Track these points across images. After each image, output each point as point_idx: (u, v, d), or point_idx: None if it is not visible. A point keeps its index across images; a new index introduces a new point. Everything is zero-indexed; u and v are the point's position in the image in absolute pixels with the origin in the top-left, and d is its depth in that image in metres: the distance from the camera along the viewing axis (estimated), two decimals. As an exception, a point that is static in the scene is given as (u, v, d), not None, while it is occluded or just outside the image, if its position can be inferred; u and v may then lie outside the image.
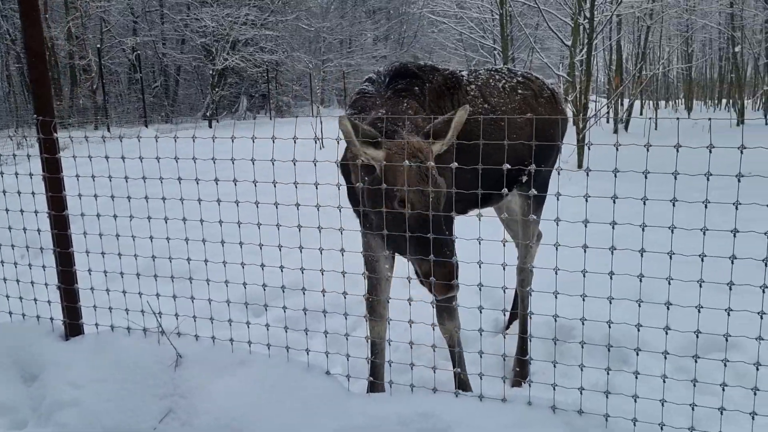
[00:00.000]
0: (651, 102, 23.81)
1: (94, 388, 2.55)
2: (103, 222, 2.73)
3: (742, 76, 20.40)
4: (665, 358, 2.28)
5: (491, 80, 3.01)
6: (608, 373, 2.36)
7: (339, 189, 2.50)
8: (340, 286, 2.54)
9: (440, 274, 2.19)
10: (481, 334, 2.45)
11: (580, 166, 9.59)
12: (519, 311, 3.32)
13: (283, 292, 2.53)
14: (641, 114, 21.69)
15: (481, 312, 2.51)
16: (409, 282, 2.36)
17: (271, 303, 3.27)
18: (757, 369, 2.20)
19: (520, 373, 3.18)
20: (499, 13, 10.49)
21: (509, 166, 2.26)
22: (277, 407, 2.34)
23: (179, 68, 27.99)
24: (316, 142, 2.53)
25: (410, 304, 2.43)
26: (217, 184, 2.52)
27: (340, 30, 39.70)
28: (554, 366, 2.38)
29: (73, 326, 2.85)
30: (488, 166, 2.31)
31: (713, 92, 31.33)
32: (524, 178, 2.99)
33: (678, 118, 2.23)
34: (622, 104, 17.20)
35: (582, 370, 2.34)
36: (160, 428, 2.45)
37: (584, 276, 2.21)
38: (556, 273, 2.23)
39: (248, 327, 2.62)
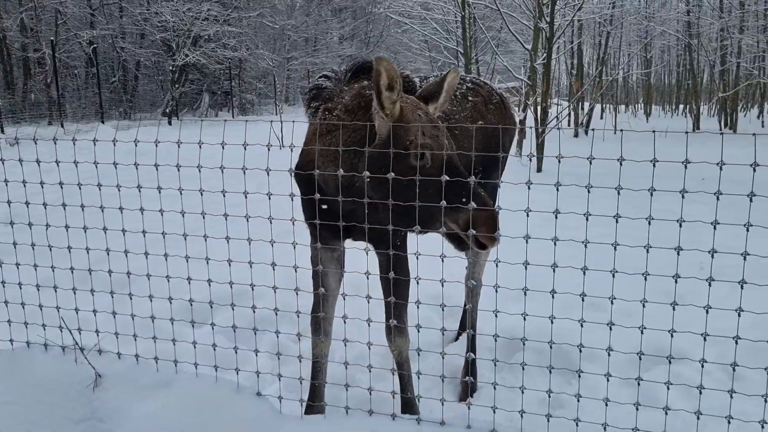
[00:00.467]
0: (611, 106, 24.21)
1: (3, 411, 2.35)
2: (37, 231, 2.52)
3: (699, 83, 20.87)
4: (607, 380, 2.22)
5: None
6: (549, 396, 2.26)
7: (292, 200, 2.34)
8: (278, 301, 2.40)
9: (484, 218, 2.00)
10: (418, 354, 2.33)
11: (539, 170, 9.61)
12: (468, 326, 3.23)
13: (211, 307, 2.37)
14: (601, 118, 22.04)
15: (443, 333, 2.43)
16: (344, 298, 2.23)
17: (200, 318, 3.08)
18: (700, 392, 2.16)
19: (469, 388, 3.10)
20: (461, 15, 10.45)
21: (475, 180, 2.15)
22: (204, 430, 2.18)
23: (138, 63, 27.32)
24: (278, 147, 2.39)
25: (345, 322, 2.32)
26: (160, 192, 2.34)
27: (305, 28, 39.37)
28: (494, 388, 2.28)
29: (-15, 343, 2.63)
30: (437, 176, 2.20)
31: (671, 98, 32.06)
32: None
33: (620, 130, 2.15)
34: (582, 108, 17.40)
35: (523, 392, 2.24)
36: (76, 455, 2.26)
37: (525, 294, 2.13)
38: (496, 290, 2.13)
39: (174, 344, 2.45)
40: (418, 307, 2.33)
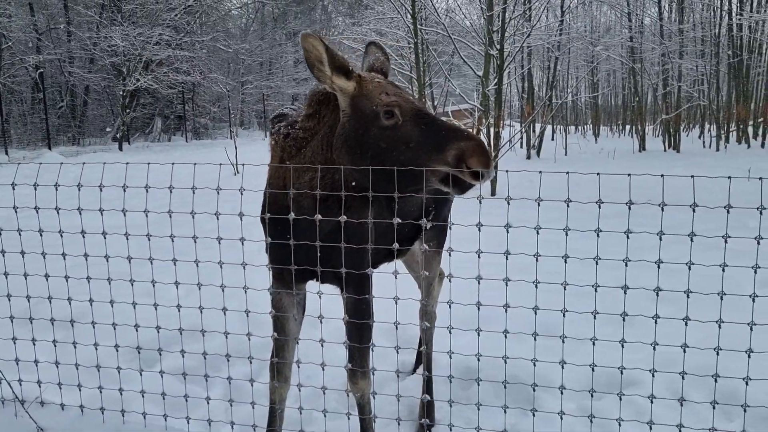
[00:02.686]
0: (561, 127, 24.90)
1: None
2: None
3: (643, 105, 21.66)
4: (561, 393, 2.24)
5: None
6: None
7: (242, 243, 2.30)
8: (230, 340, 2.35)
9: (473, 148, 1.97)
10: (374, 397, 2.31)
11: (493, 193, 9.76)
12: (423, 352, 3.21)
13: (160, 354, 2.30)
14: (552, 139, 22.60)
15: (398, 352, 2.41)
16: (297, 343, 2.20)
17: (148, 364, 2.97)
18: (652, 402, 2.19)
19: (429, 416, 3.09)
20: (414, 41, 10.64)
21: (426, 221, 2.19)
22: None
23: (87, 88, 26.73)
24: (235, 172, 2.36)
25: (299, 367, 2.30)
26: (105, 238, 2.27)
27: (260, 52, 39.32)
28: (450, 429, 2.27)
29: None
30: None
31: (618, 119, 33.14)
32: (428, 225, 2.91)
33: (555, 152, 2.20)
34: (534, 131, 17.83)
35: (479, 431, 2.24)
36: None
37: (479, 333, 2.14)
38: (450, 331, 2.14)
39: (121, 393, 2.36)
40: (372, 350, 2.33)
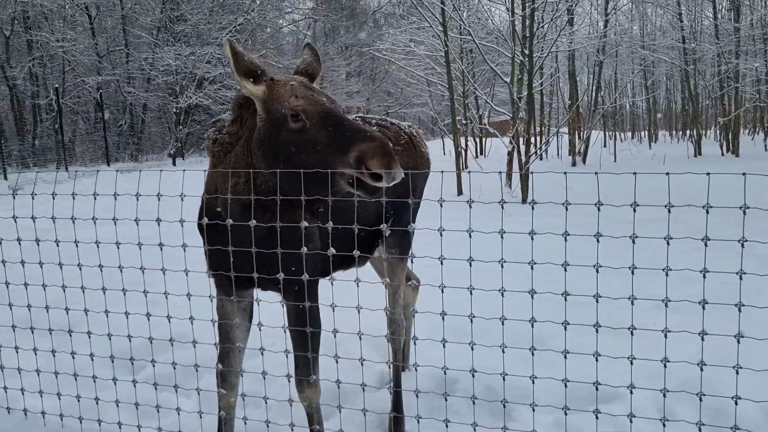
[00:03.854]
0: (616, 133, 24.11)
1: None
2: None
3: (699, 109, 20.79)
4: (533, 409, 2.17)
5: None
6: None
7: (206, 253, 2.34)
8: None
9: (374, 150, 1.97)
10: (340, 411, 2.27)
11: (524, 201, 9.54)
12: (392, 362, 3.14)
13: (133, 363, 2.34)
14: (605, 146, 21.96)
15: (364, 389, 2.39)
16: (262, 353, 2.20)
17: (123, 375, 3.05)
18: (631, 421, 2.09)
19: (397, 430, 3.02)
20: (444, 50, 10.57)
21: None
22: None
23: (145, 106, 27.88)
24: None
25: (264, 378, 2.33)
26: (98, 247, 2.37)
27: (311, 66, 39.99)
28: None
29: None
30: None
31: (676, 124, 31.96)
32: (388, 232, 2.86)
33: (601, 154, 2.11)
34: (580, 137, 17.38)
35: None
36: None
37: (471, 321, 2.14)
38: (443, 316, 2.07)
39: (59, 398, 2.41)
40: (337, 361, 2.30)
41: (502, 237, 2.02)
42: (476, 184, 10.14)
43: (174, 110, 24.93)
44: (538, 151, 9.77)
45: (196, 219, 2.42)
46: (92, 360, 2.52)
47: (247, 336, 2.65)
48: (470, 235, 2.05)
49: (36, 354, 2.54)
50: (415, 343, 2.27)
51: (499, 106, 18.88)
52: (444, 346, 2.22)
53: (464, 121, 16.00)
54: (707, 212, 1.82)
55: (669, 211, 1.86)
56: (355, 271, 2.59)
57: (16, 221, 2.40)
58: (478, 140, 21.07)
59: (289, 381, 2.42)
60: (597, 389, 2.11)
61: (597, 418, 2.13)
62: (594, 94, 17.70)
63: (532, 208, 2.03)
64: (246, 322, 2.63)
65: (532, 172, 2.34)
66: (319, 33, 45.62)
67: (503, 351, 2.15)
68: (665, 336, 1.92)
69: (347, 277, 2.44)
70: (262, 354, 2.33)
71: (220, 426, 2.60)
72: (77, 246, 2.39)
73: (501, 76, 10.36)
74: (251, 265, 2.30)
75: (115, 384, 2.69)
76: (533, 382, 2.15)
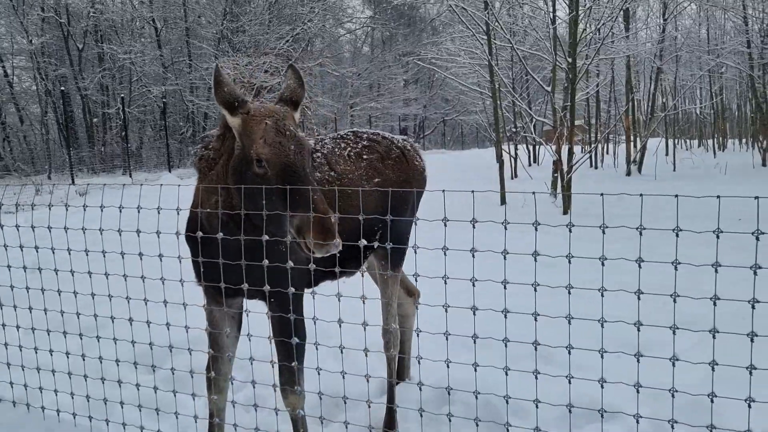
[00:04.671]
0: (683, 141, 23.15)
1: None
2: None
3: (766, 116, 19.80)
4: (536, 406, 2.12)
5: (336, 148, 2.97)
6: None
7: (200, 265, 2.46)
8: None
9: (314, 223, 2.03)
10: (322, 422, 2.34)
11: (565, 212, 9.36)
12: (386, 378, 3.19)
13: (136, 367, 2.48)
14: (666, 154, 21.19)
15: (345, 402, 2.44)
16: (252, 363, 2.30)
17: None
18: None
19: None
20: (488, 59, 10.51)
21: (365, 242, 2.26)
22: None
23: (206, 115, 28.87)
24: None
25: (254, 387, 2.44)
26: (104, 256, 2.53)
27: (368, 75, 40.40)
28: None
29: None
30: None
31: (746, 131, 30.50)
32: (376, 245, 2.91)
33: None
34: (635, 146, 16.87)
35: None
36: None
37: (475, 341, 2.17)
38: (419, 362, 2.12)
39: (41, 392, 2.59)
40: (319, 373, 2.37)
41: (535, 260, 1.99)
42: (520, 193, 10.04)
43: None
44: (577, 163, 9.55)
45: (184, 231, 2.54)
46: (117, 364, 2.67)
47: (236, 343, 2.74)
48: (505, 257, 2.02)
49: (68, 357, 2.71)
50: (419, 362, 2.28)
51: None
52: (448, 366, 2.22)
53: (514, 129, 15.82)
54: (716, 238, 1.72)
55: (717, 236, 1.76)
56: (359, 283, 2.63)
57: (84, 232, 2.55)
58: (531, 148, 20.76)
59: (275, 390, 2.51)
60: (602, 416, 2.06)
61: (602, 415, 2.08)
62: (651, 100, 17.16)
63: (570, 230, 2.00)
64: (235, 330, 2.72)
65: (561, 192, 2.32)
66: (377, 41, 46.04)
67: (506, 373, 2.13)
68: (673, 364, 1.85)
69: (342, 289, 2.47)
70: (252, 364, 2.42)
71: (210, 429, 2.70)
72: (141, 258, 2.51)
73: (542, 84, 10.21)
74: (233, 276, 2.38)
75: (55, 394, 2.78)
76: (537, 406, 2.11)
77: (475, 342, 2.16)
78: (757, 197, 1.76)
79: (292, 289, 2.34)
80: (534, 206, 2.06)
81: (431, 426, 3.22)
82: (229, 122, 2.27)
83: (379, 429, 3.10)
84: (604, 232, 1.91)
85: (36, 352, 2.78)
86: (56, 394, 2.67)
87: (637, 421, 2.01)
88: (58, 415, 2.62)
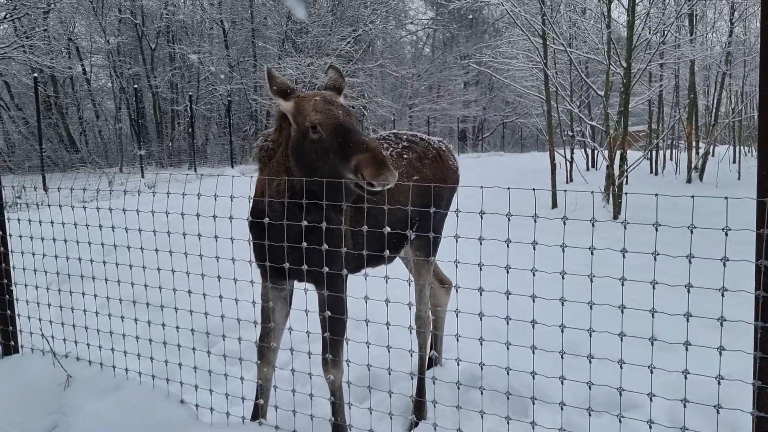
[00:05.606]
0: (753, 149, 22.26)
1: (3, 401, 2.97)
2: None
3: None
4: (562, 409, 2.34)
5: None
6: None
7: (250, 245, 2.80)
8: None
9: (367, 160, 2.28)
10: (370, 391, 2.61)
11: (615, 217, 9.34)
12: (417, 352, 3.42)
13: (208, 337, 2.84)
14: (734, 161, 20.49)
15: (390, 373, 2.67)
16: (290, 332, 2.59)
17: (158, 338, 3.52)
18: (650, 427, 2.21)
19: (418, 413, 3.30)
20: (543, 62, 10.57)
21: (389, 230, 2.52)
22: (130, 427, 2.64)
23: (268, 113, 29.74)
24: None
25: (292, 353, 2.72)
26: (156, 253, 2.89)
27: (428, 76, 40.52)
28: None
29: (6, 346, 3.31)
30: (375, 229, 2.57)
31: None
32: (413, 236, 3.16)
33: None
34: (697, 152, 16.43)
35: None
36: (45, 440, 2.81)
37: (508, 322, 2.35)
38: (457, 339, 2.35)
39: (125, 355, 2.96)
40: (368, 346, 2.64)
41: (564, 251, 2.16)
42: (572, 197, 10.05)
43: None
44: (630, 168, 9.49)
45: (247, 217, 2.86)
46: (177, 330, 3.01)
47: (286, 319, 3.05)
48: (563, 250, 2.19)
49: (136, 323, 3.10)
50: (458, 339, 2.48)
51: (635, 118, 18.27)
52: (481, 344, 2.45)
53: (570, 134, 15.71)
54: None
55: (692, 231, 1.91)
56: (385, 268, 2.90)
57: (153, 215, 2.91)
58: (589, 152, 20.48)
59: (310, 378, 2.78)
60: (621, 395, 2.20)
61: (620, 421, 2.23)
62: (715, 106, 16.69)
63: (625, 227, 2.13)
64: (286, 306, 3.03)
65: (611, 192, 2.49)
66: (438, 42, 46.10)
67: (533, 352, 2.32)
68: (686, 349, 1.99)
69: (381, 274, 2.70)
70: (308, 336, 2.69)
71: (258, 393, 3.02)
72: (200, 239, 2.87)
73: (594, 89, 10.17)
74: (290, 260, 2.68)
75: (124, 356, 3.15)
76: (562, 383, 2.28)
77: (508, 323, 2.35)
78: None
79: (344, 272, 2.64)
80: (585, 210, 2.23)
81: (458, 412, 3.44)
82: (283, 108, 2.59)
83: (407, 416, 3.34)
84: (656, 229, 2.04)
85: (110, 319, 3.17)
86: (125, 356, 3.05)
87: (651, 399, 2.16)
88: (126, 373, 2.99)
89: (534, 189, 2.39)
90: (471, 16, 43.30)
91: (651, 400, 2.14)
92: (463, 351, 2.57)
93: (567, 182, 16.06)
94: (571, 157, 16.56)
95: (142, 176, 19.53)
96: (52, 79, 25.28)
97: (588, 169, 19.84)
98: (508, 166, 22.24)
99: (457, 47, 43.11)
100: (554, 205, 10.83)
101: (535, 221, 2.23)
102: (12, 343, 3.33)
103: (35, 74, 19.16)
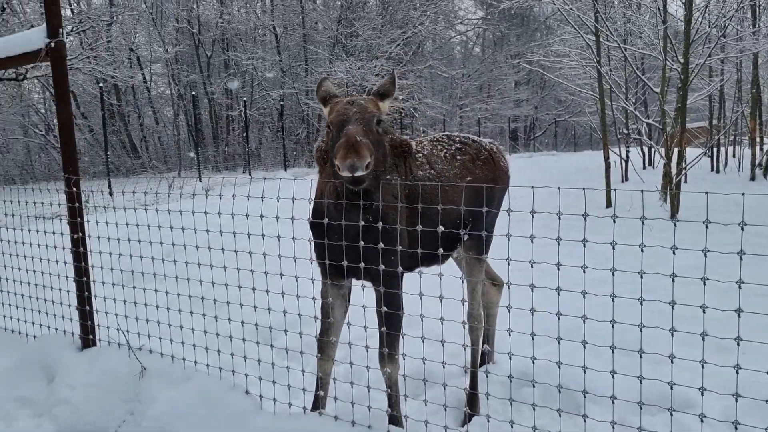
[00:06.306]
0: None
1: (84, 391, 3.20)
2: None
3: None
4: (613, 402, 2.35)
5: (434, 150, 3.36)
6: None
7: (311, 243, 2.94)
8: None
9: (339, 146, 2.38)
10: (425, 383, 2.73)
11: (673, 216, 9.13)
12: (472, 350, 3.50)
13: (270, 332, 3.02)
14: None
15: (444, 366, 2.78)
16: (349, 327, 2.73)
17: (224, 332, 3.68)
18: (702, 420, 2.20)
19: (471, 407, 3.38)
20: (597, 59, 10.41)
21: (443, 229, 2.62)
22: (199, 416, 2.81)
23: (319, 117, 30.20)
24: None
25: (350, 347, 2.86)
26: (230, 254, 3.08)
27: (478, 76, 40.28)
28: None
29: (85, 340, 3.55)
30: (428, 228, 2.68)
31: None
32: (466, 237, 3.25)
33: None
34: (761, 149, 15.81)
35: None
36: (122, 427, 3.02)
37: (559, 319, 2.41)
38: (509, 334, 2.44)
39: (194, 348, 3.15)
40: (423, 341, 2.75)
41: (614, 248, 2.20)
42: (627, 197, 9.88)
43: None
44: (688, 166, 9.26)
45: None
46: (242, 325, 3.19)
47: (345, 315, 3.18)
48: (614, 247, 2.22)
49: (204, 318, 3.29)
50: (510, 334, 2.54)
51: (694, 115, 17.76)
52: (533, 338, 2.49)
53: (625, 131, 15.38)
54: None
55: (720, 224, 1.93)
56: (439, 268, 2.99)
57: (206, 216, 3.12)
58: (646, 150, 19.98)
59: (368, 371, 2.89)
60: (672, 388, 2.20)
61: (671, 415, 2.26)
62: (780, 101, 16.01)
63: (675, 225, 2.20)
64: (345, 303, 3.16)
65: (668, 190, 2.52)
66: (488, 42, 45.76)
67: (584, 346, 2.34)
68: (737, 344, 1.97)
69: (435, 272, 2.77)
70: (366, 331, 2.81)
71: (317, 385, 3.16)
72: (263, 239, 3.06)
73: (650, 86, 9.94)
74: (351, 258, 2.80)
75: (193, 349, 3.31)
76: (613, 377, 2.30)
77: (559, 318, 2.39)
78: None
79: (400, 269, 2.75)
80: (640, 209, 2.25)
81: (511, 406, 3.49)
82: (324, 114, 2.74)
83: (461, 409, 3.42)
84: (707, 227, 2.05)
85: (179, 314, 3.37)
86: (194, 349, 3.24)
87: (702, 394, 2.17)
88: (195, 365, 3.18)
89: (584, 188, 2.43)
90: (520, 16, 42.79)
91: (702, 394, 2.15)
92: (514, 347, 2.63)
93: (622, 181, 15.74)
94: (627, 156, 16.21)
95: (199, 179, 20.19)
96: (115, 88, 26.42)
97: (645, 167, 19.37)
98: (561, 166, 21.94)
99: (507, 46, 42.67)
100: (608, 204, 10.66)
101: (585, 220, 2.27)
102: (90, 336, 3.58)
103: (100, 84, 20.07)
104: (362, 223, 2.72)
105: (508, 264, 2.47)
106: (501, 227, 2.68)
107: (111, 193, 12.80)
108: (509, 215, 2.49)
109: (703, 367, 2.12)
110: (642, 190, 2.24)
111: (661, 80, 9.28)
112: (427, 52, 32.19)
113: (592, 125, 24.42)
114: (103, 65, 22.29)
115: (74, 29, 20.69)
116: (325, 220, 2.79)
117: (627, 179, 15.91)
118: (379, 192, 2.73)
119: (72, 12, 25.15)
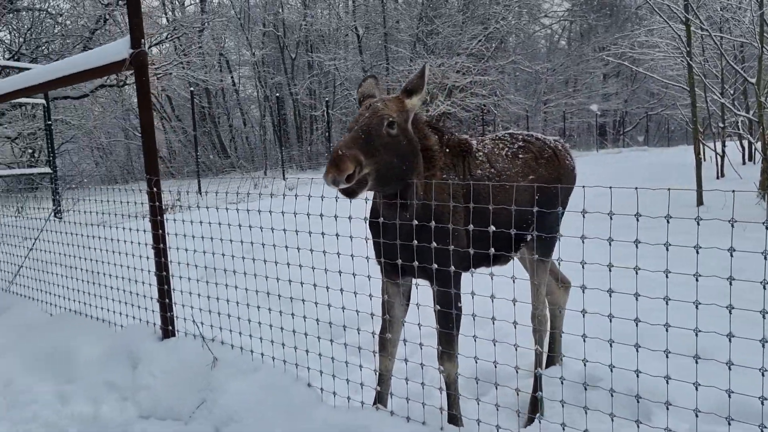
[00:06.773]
0: None
1: (163, 379, 3.42)
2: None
3: None
4: (697, 416, 2.22)
5: (495, 148, 3.31)
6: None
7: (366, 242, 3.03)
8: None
9: (329, 160, 2.42)
10: (477, 383, 2.75)
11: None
12: (535, 365, 3.45)
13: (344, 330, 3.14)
14: None
15: (517, 371, 2.77)
16: (403, 325, 2.79)
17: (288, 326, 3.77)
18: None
19: (532, 409, 3.34)
20: (687, 50, 9.87)
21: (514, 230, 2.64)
22: (265, 406, 2.95)
23: (399, 115, 30.36)
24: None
25: (405, 344, 2.91)
26: (336, 219, 3.24)
27: (563, 70, 39.15)
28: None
29: (165, 330, 3.79)
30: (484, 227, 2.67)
31: None
32: (529, 237, 3.20)
33: None
34: None
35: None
36: (196, 413, 3.21)
37: (611, 320, 2.38)
38: (584, 340, 2.44)
39: (261, 341, 3.30)
40: (495, 344, 2.75)
41: (731, 255, 2.04)
42: (721, 195, 9.31)
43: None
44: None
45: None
46: (317, 323, 3.31)
47: (405, 311, 3.22)
48: (697, 251, 2.09)
49: (270, 313, 3.46)
50: (584, 340, 2.46)
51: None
52: (611, 346, 2.40)
53: (721, 125, 14.49)
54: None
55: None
56: (511, 267, 2.95)
57: (295, 216, 3.23)
58: (745, 144, 18.74)
59: (421, 348, 2.93)
60: (762, 404, 2.00)
61: (762, 430, 2.15)
62: None
63: (766, 228, 1.90)
64: (405, 300, 3.20)
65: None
66: (575, 34, 44.39)
67: (667, 356, 2.22)
68: None
69: (505, 272, 2.74)
70: (420, 328, 2.87)
71: (379, 382, 3.22)
72: (337, 238, 3.20)
73: (745, 76, 9.30)
74: (403, 257, 2.85)
75: (260, 341, 3.43)
76: (696, 389, 2.18)
77: (637, 325, 2.25)
78: None
79: (452, 269, 2.76)
80: (737, 209, 2.09)
81: (581, 412, 3.41)
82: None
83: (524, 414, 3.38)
84: (767, 228, 1.85)
85: (248, 308, 3.55)
86: (261, 341, 3.39)
87: (762, 403, 2.05)
88: (262, 357, 3.33)
89: (669, 189, 2.30)
90: (609, 6, 41.16)
91: (762, 403, 2.02)
92: (581, 351, 2.56)
93: (718, 178, 14.84)
94: (723, 151, 15.28)
95: (284, 178, 20.84)
96: (206, 91, 27.72)
97: (744, 163, 18.17)
98: (652, 161, 20.97)
99: (595, 38, 41.19)
100: (699, 202, 10.10)
101: (668, 222, 2.16)
102: (170, 327, 3.81)
103: (192, 88, 21.13)
104: (415, 222, 2.75)
105: (583, 267, 2.37)
106: (577, 228, 2.56)
107: (200, 192, 13.47)
108: (583, 217, 2.40)
109: (762, 374, 2.00)
110: (734, 191, 2.11)
111: (758, 70, 8.69)
112: (510, 47, 31.63)
113: (686, 119, 23.19)
114: (195, 70, 23.46)
115: (168, 36, 21.88)
116: (380, 219, 2.85)
117: (723, 175, 14.99)
118: (413, 191, 2.73)
119: (167, 20, 26.62)
